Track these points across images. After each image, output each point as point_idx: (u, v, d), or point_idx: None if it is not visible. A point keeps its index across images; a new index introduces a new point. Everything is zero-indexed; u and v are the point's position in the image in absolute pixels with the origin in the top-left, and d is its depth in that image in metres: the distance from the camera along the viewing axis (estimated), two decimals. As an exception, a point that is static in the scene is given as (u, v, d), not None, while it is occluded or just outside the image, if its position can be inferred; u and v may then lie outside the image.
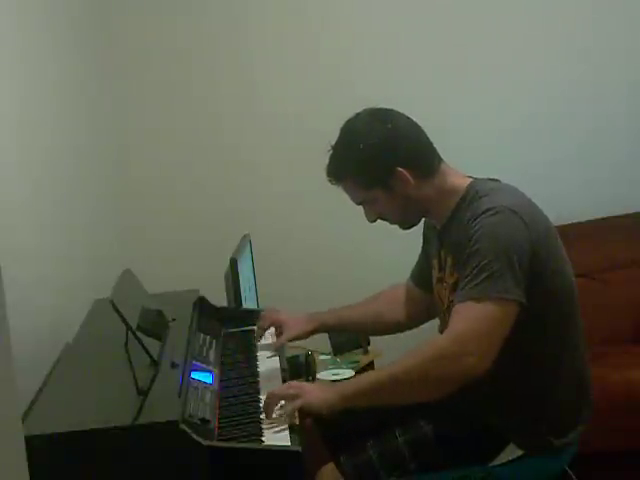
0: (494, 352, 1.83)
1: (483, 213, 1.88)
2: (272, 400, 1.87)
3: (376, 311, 2.31)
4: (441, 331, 2.07)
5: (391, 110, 2.04)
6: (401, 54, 3.42)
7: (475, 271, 1.84)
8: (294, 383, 1.98)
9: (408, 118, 2.03)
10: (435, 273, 2.09)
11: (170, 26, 3.39)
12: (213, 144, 3.47)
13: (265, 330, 2.34)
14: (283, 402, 1.87)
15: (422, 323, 2.29)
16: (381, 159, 1.98)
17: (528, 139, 3.48)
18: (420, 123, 2.04)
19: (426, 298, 2.21)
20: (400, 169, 1.97)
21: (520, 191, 2.00)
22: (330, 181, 2.06)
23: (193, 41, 3.41)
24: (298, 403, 1.85)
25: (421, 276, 2.24)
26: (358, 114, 2.04)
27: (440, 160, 2.04)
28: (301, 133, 3.40)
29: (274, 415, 1.84)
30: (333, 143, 2.04)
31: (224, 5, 3.40)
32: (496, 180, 2.05)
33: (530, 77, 3.44)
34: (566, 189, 3.47)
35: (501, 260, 1.83)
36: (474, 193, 1.96)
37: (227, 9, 3.40)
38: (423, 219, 2.17)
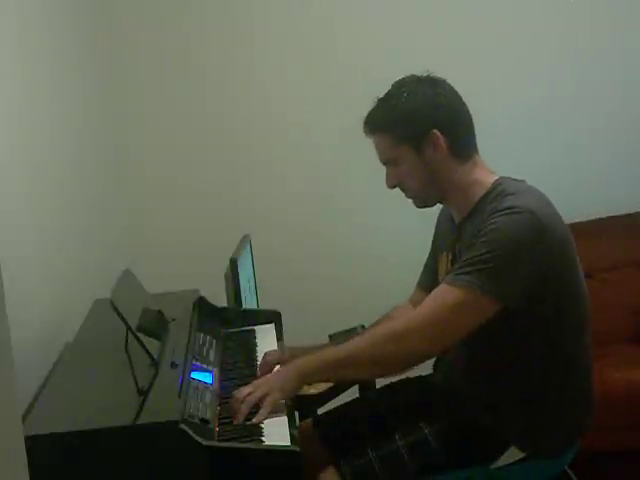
0: (449, 341, 1.88)
1: (503, 210, 1.86)
2: (244, 406, 1.82)
3: None
4: None
5: (448, 83, 2.03)
6: (405, 56, 3.40)
7: (473, 260, 1.84)
8: (258, 382, 1.91)
9: (461, 98, 2.02)
10: (447, 266, 2.06)
11: (171, 25, 3.39)
12: (213, 144, 3.47)
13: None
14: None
15: None
16: (420, 114, 1.96)
17: (527, 138, 3.48)
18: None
19: None
20: (436, 131, 1.95)
21: (545, 196, 1.97)
22: (365, 132, 2.03)
23: (194, 41, 3.41)
24: (269, 404, 1.82)
25: (433, 280, 2.18)
26: (413, 74, 2.03)
27: (476, 151, 2.03)
28: (302, 133, 3.39)
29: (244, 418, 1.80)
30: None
31: (229, 5, 3.40)
32: (522, 181, 2.03)
33: (532, 74, 3.45)
34: (565, 189, 3.46)
35: (504, 258, 1.82)
36: (500, 191, 1.94)
37: (232, 8, 3.40)
38: (436, 221, 2.17)
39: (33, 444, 1.24)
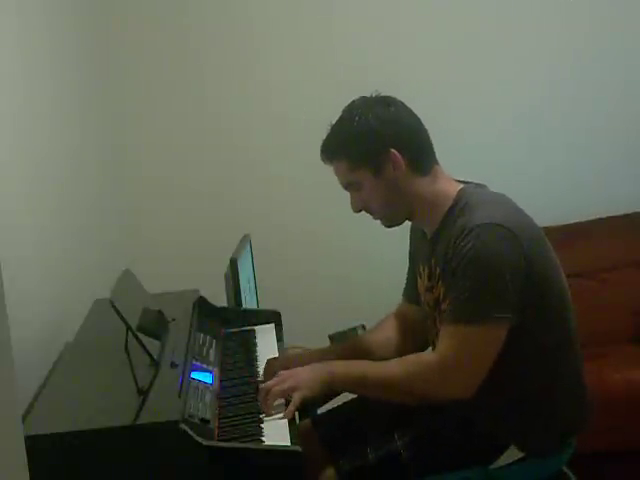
0: (480, 377, 1.85)
1: (473, 230, 1.83)
2: (270, 397, 1.87)
3: (387, 341, 2.20)
4: (431, 340, 2.06)
5: (397, 99, 2.01)
6: (405, 56, 3.41)
7: (467, 293, 1.83)
8: (286, 373, 1.94)
9: (413, 112, 2.00)
10: (424, 282, 2.05)
11: (170, 26, 3.38)
12: (212, 144, 3.47)
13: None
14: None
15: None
16: (375, 136, 1.93)
17: (526, 138, 3.48)
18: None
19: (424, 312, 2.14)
20: (393, 151, 1.93)
21: (508, 200, 1.97)
22: (323, 160, 2.02)
23: (192, 41, 3.40)
24: (297, 400, 1.85)
25: (414, 292, 2.17)
26: (362, 96, 2.01)
27: (436, 162, 2.01)
28: (302, 133, 3.39)
29: (272, 411, 1.85)
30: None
31: (227, 5, 3.40)
32: (483, 186, 2.02)
33: (532, 74, 3.44)
34: (566, 189, 3.47)
35: (493, 282, 1.82)
36: (464, 204, 1.92)
37: (230, 9, 3.39)
38: (409, 231, 2.16)
39: (33, 444, 1.24)
